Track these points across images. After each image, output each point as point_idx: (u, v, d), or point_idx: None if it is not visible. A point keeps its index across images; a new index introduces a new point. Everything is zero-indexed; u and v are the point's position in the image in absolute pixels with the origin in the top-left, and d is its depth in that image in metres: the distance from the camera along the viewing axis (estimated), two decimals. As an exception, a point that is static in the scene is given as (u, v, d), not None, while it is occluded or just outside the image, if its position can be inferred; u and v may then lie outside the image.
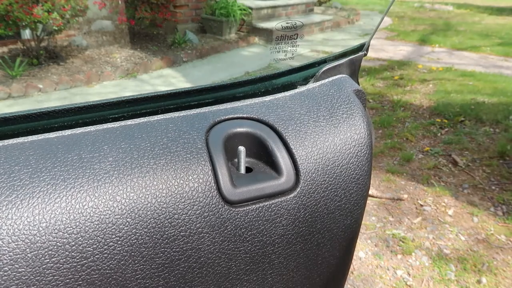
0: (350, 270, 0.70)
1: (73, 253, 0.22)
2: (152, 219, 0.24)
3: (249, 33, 5.34)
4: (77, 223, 0.22)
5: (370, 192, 1.72)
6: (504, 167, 2.41)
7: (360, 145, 0.30)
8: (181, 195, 0.25)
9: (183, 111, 0.30)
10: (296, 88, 0.48)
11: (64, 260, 0.22)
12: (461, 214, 2.03)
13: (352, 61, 0.57)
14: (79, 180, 0.23)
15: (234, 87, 0.44)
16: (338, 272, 0.33)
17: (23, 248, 0.21)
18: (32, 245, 0.21)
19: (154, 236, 0.24)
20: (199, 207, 0.25)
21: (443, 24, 7.01)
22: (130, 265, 0.24)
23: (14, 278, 0.21)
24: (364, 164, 0.31)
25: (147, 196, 0.24)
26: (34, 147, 0.25)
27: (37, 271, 0.21)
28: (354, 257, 1.77)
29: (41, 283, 0.22)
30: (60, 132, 0.27)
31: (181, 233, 0.25)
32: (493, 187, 2.23)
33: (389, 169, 2.44)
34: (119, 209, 0.23)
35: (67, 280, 0.22)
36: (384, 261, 1.75)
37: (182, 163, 0.26)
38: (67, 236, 0.22)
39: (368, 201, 2.17)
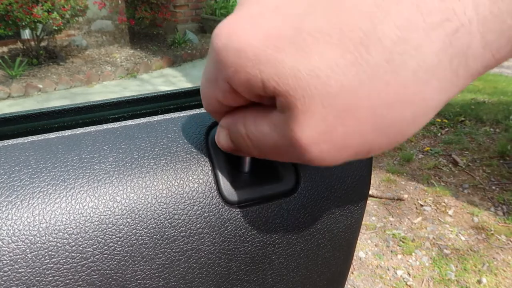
0: (350, 270, 0.70)
1: (73, 254, 0.22)
2: (152, 220, 0.24)
3: (249, 33, 5.32)
4: (77, 224, 0.22)
5: (370, 192, 1.73)
6: (504, 167, 2.41)
7: None
8: (181, 195, 0.25)
9: (183, 111, 0.30)
10: None
11: (64, 260, 0.22)
12: (461, 214, 2.03)
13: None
14: (79, 180, 0.23)
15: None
16: (338, 272, 0.33)
17: (23, 248, 0.21)
18: (32, 246, 0.21)
19: (154, 236, 0.24)
20: (199, 208, 0.25)
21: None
22: (130, 266, 0.24)
23: (14, 279, 0.21)
24: (364, 164, 0.31)
25: (147, 197, 0.24)
26: (34, 147, 0.25)
27: (37, 271, 0.21)
28: (354, 257, 1.77)
29: (41, 283, 0.22)
30: (60, 132, 0.27)
31: (181, 234, 0.25)
32: (493, 187, 2.23)
33: (389, 169, 2.44)
34: (119, 210, 0.23)
35: (67, 281, 0.22)
36: (384, 261, 1.75)
37: (182, 163, 0.26)
38: (67, 236, 0.22)
39: (368, 201, 2.17)
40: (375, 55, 0.16)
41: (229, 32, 0.18)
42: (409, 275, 1.67)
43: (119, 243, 0.23)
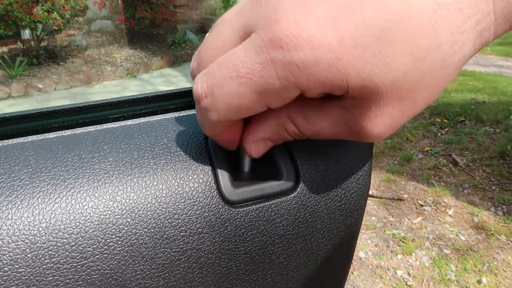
0: (350, 270, 0.70)
1: (73, 253, 0.22)
2: (152, 219, 0.24)
3: (249, 33, 5.33)
4: (77, 223, 0.22)
5: (370, 192, 1.72)
6: (504, 167, 2.41)
7: (360, 144, 0.30)
8: (181, 195, 0.25)
9: (183, 111, 0.30)
10: None
11: (64, 260, 0.22)
12: (461, 214, 2.03)
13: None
14: (79, 180, 0.23)
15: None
16: (338, 272, 0.33)
17: (23, 248, 0.21)
18: (32, 245, 0.21)
19: (154, 236, 0.24)
20: (199, 207, 0.25)
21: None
22: (130, 265, 0.24)
23: (14, 279, 0.21)
24: (364, 164, 0.31)
25: (147, 196, 0.24)
26: (34, 147, 0.25)
27: (37, 271, 0.21)
28: (354, 257, 1.77)
29: (41, 283, 0.22)
30: (60, 132, 0.27)
31: (181, 233, 0.25)
32: (493, 187, 2.23)
33: (389, 169, 2.44)
34: (119, 209, 0.23)
35: (67, 281, 0.22)
36: (384, 261, 1.75)
37: (182, 163, 0.26)
38: (67, 236, 0.22)
39: (368, 201, 2.17)
40: (436, 58, 0.19)
41: (313, 41, 0.18)
42: (409, 275, 1.67)
43: (119, 242, 0.23)
